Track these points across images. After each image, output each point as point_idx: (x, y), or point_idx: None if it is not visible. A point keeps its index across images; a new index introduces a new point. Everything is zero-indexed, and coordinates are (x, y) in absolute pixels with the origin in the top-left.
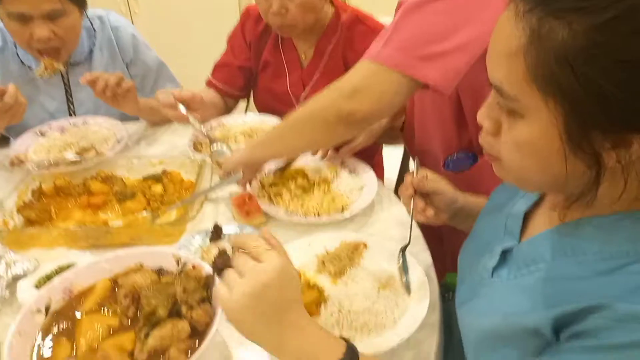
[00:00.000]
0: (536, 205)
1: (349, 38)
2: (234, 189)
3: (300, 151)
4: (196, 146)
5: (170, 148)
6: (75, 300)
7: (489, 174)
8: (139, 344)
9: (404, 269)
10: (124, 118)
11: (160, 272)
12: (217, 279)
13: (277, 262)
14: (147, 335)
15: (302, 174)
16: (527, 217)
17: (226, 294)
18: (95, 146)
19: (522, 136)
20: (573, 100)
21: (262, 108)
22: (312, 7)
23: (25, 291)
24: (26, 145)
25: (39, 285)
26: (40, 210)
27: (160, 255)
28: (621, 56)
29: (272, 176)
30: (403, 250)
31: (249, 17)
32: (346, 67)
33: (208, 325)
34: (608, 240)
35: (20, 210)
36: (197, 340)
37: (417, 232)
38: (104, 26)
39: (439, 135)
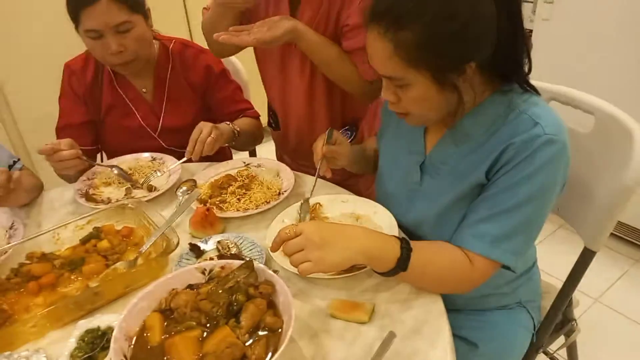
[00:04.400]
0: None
1: (183, 61)
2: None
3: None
4: (88, 197)
5: (65, 214)
6: (140, 341)
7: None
8: (236, 330)
9: (303, 217)
10: None
11: (191, 287)
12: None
13: (309, 224)
14: (238, 321)
15: (231, 178)
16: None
17: (309, 266)
18: None
19: (416, 94)
20: (429, 66)
21: (116, 149)
22: (146, 38)
23: None
24: None
25: (74, 359)
26: None
27: (185, 274)
28: (441, 32)
29: (207, 190)
30: (306, 200)
31: (72, 73)
32: (191, 87)
33: (273, 292)
34: (483, 119)
35: None
36: (273, 308)
37: None
38: None
39: (327, 116)
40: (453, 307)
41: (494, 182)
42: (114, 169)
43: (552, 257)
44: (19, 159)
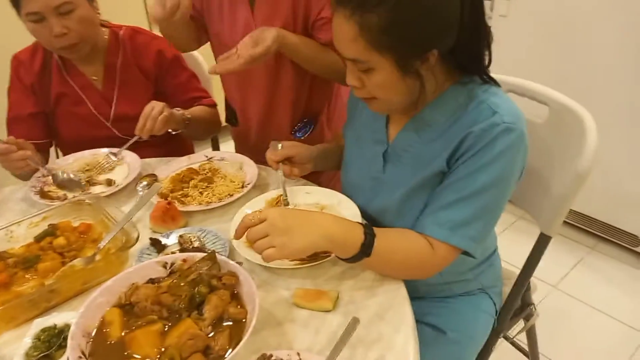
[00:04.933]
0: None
1: (134, 48)
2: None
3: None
4: (43, 194)
5: (18, 212)
6: (99, 337)
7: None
8: (199, 322)
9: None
10: None
11: (152, 281)
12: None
13: (273, 210)
14: (201, 313)
15: (194, 172)
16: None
17: (273, 252)
18: None
19: (379, 79)
20: (393, 50)
21: (69, 140)
22: (91, 20)
23: None
24: None
25: (29, 359)
26: None
27: (145, 268)
28: (405, 18)
29: (169, 184)
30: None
31: (20, 63)
32: (143, 73)
33: (237, 283)
34: (444, 109)
35: None
36: (236, 299)
37: None
38: None
39: (290, 111)
40: (417, 294)
41: (454, 170)
42: (62, 173)
43: (512, 247)
44: None
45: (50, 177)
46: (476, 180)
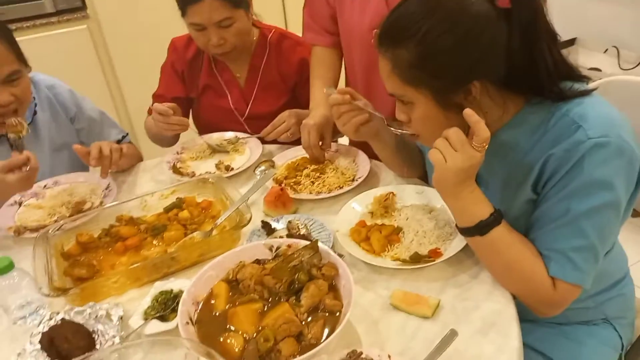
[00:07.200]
0: None
1: (279, 52)
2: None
3: None
4: (175, 169)
5: (156, 184)
6: (206, 307)
7: None
8: (296, 308)
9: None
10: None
11: (258, 262)
12: None
13: (478, 153)
14: (299, 300)
15: (308, 161)
16: None
17: (442, 160)
18: (89, 199)
19: (419, 114)
20: (426, 84)
21: (206, 127)
22: (247, 31)
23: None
24: (8, 217)
25: (146, 317)
26: (87, 267)
27: (253, 249)
28: (434, 52)
29: (284, 171)
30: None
31: (175, 49)
32: (282, 78)
33: (336, 275)
34: (524, 129)
35: (67, 272)
36: (334, 291)
37: None
38: (37, 86)
39: None
40: (528, 317)
41: (544, 198)
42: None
43: None
44: (127, 134)
45: (184, 154)
46: (569, 208)
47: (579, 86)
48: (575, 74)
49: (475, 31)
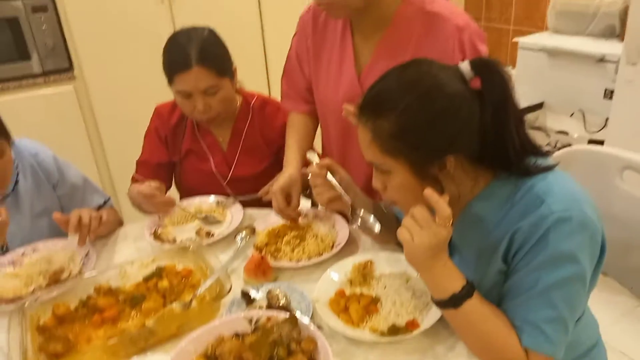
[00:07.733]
0: None
1: (262, 117)
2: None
3: None
4: (156, 235)
5: (136, 250)
6: None
7: None
8: None
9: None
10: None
11: (237, 336)
12: None
13: (443, 230)
14: None
15: (288, 227)
16: None
17: (409, 239)
18: (67, 267)
19: (396, 183)
20: (405, 155)
21: (188, 191)
22: (231, 98)
23: None
24: None
25: None
26: (63, 341)
27: (232, 322)
28: (412, 125)
29: (264, 238)
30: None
31: (159, 115)
32: (265, 142)
33: (314, 350)
34: (492, 202)
35: (42, 348)
36: None
37: None
38: (21, 154)
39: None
40: None
41: (514, 270)
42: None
43: (635, 336)
44: (109, 198)
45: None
46: (538, 279)
47: (542, 161)
48: (539, 151)
49: (451, 109)
